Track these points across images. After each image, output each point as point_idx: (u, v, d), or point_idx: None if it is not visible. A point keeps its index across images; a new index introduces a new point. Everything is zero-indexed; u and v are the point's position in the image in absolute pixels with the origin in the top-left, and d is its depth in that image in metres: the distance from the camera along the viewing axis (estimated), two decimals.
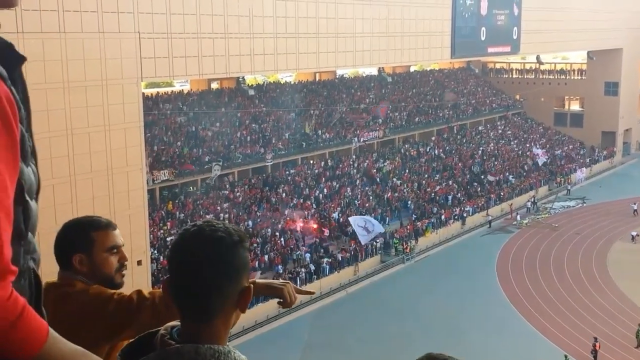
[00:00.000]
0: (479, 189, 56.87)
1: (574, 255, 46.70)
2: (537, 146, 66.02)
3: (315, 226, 43.98)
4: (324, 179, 51.14)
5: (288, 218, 44.34)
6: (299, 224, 43.76)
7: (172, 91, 54.70)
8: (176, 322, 1.80)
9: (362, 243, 43.22)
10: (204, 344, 1.65)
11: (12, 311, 1.55)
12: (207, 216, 41.34)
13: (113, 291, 2.68)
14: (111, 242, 2.73)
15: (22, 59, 1.59)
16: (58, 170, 28.11)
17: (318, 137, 53.75)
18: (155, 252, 37.00)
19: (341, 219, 46.51)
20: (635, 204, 55.23)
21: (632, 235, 49.17)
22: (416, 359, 1.75)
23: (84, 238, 2.68)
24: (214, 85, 55.78)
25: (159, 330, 1.78)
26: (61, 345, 1.66)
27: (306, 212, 45.84)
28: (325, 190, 49.86)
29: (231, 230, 1.72)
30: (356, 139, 54.78)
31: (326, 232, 44.55)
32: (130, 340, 1.84)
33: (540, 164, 63.59)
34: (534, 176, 62.75)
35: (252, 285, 1.75)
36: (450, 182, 56.55)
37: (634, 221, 52.64)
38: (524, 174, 62.73)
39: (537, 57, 71.41)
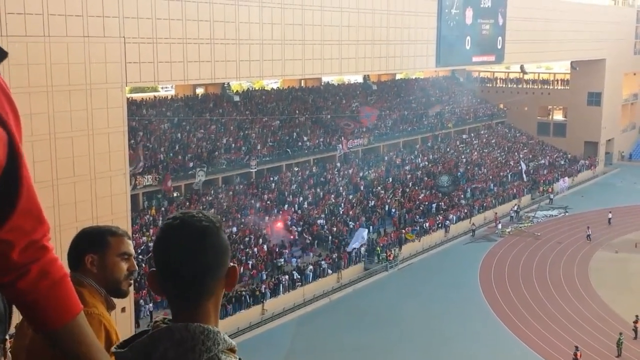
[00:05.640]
0: (462, 198, 57.08)
1: (556, 264, 46.95)
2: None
3: (280, 225, 43.98)
4: (307, 186, 51.08)
5: (268, 225, 44.30)
6: (271, 225, 43.86)
7: (157, 96, 54.49)
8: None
9: (348, 249, 43.93)
10: (195, 323, 1.75)
11: (56, 272, 1.73)
12: None
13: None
14: (125, 248, 2.84)
15: (4, 54, 1.68)
16: (40, 174, 27.88)
17: (303, 144, 53.71)
18: (139, 257, 36.75)
19: (326, 226, 46.57)
20: (610, 213, 55.79)
21: (588, 235, 50.73)
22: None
23: (100, 239, 2.79)
24: (199, 91, 55.63)
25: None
26: (86, 331, 1.81)
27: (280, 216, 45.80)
28: (309, 197, 49.80)
29: (211, 217, 1.83)
30: (340, 146, 54.76)
31: (294, 233, 44.56)
32: (126, 338, 1.92)
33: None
34: (517, 185, 63.10)
35: (236, 265, 1.86)
36: (434, 191, 56.70)
37: (611, 230, 53.06)
38: (507, 183, 63.04)
39: (521, 67, 71.92)
